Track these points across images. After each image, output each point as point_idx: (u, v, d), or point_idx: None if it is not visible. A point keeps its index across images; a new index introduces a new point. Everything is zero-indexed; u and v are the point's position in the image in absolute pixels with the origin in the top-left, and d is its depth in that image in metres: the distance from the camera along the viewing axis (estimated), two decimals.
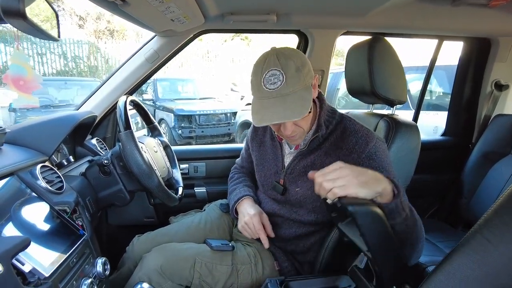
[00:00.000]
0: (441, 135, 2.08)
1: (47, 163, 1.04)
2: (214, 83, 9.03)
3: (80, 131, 1.41)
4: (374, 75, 1.24)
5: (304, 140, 1.08)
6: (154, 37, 1.56)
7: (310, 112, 0.98)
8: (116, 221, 1.68)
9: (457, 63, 2.02)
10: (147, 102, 7.20)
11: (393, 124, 1.19)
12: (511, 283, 0.59)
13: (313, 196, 1.08)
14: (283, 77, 0.91)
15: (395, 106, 1.32)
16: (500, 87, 1.87)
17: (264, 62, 0.94)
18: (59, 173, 1.01)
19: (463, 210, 1.79)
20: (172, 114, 6.53)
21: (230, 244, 1.17)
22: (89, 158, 1.41)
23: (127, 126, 1.08)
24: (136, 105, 1.30)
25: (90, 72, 11.43)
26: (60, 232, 0.86)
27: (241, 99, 8.75)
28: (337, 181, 0.71)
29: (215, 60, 13.10)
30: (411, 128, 1.19)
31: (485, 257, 0.62)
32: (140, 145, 1.12)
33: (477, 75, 1.92)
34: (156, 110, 7.08)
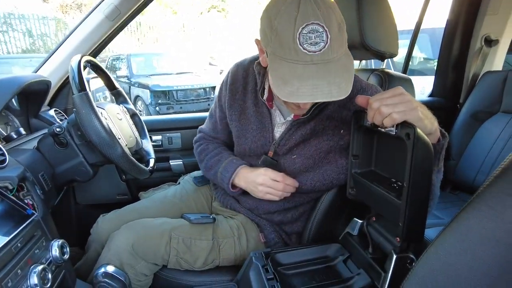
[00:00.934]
0: (428, 96, 2.01)
1: None
2: (191, 57, 8.69)
3: (32, 100, 1.23)
4: (364, 25, 1.11)
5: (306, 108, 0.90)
6: None
7: None
8: (86, 200, 1.54)
9: (443, 25, 1.92)
10: (121, 79, 6.88)
11: (386, 78, 1.08)
12: None
13: (316, 163, 0.95)
14: (327, 37, 0.69)
15: (385, 61, 1.21)
16: (489, 42, 1.78)
17: (297, 7, 0.69)
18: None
19: (451, 172, 1.74)
20: (148, 91, 6.27)
21: (211, 217, 1.05)
22: (46, 130, 1.24)
23: (82, 87, 0.91)
24: (94, 66, 1.13)
25: None
26: (3, 212, 0.72)
27: (220, 73, 8.50)
28: (398, 106, 0.65)
29: (192, 33, 12.58)
30: (406, 82, 1.08)
31: (504, 213, 0.53)
32: (99, 110, 0.96)
33: (467, 31, 1.82)
34: (131, 87, 6.79)
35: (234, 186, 1.05)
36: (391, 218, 0.76)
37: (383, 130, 0.72)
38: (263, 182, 0.95)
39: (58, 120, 1.31)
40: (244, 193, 1.06)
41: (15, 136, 1.08)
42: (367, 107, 0.72)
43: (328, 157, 0.94)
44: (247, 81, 1.04)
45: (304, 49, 0.69)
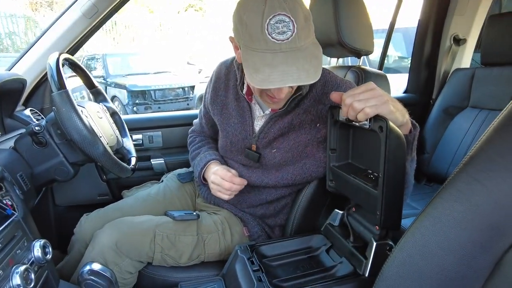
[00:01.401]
0: (403, 93, 2.09)
1: None
2: (168, 56, 8.57)
3: (6, 99, 1.19)
4: (340, 23, 1.15)
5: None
6: None
7: None
8: (65, 201, 1.51)
9: (415, 25, 2.00)
10: (97, 80, 6.66)
11: (362, 74, 1.12)
12: (500, 222, 0.54)
13: (295, 157, 0.98)
14: (294, 26, 0.73)
15: (361, 58, 1.25)
16: (458, 41, 1.87)
17: (265, 2, 0.74)
18: None
19: (426, 165, 1.82)
20: (125, 91, 6.16)
21: (195, 213, 1.06)
22: (22, 130, 1.20)
23: (61, 85, 0.90)
24: (72, 65, 1.11)
25: None
26: None
27: (199, 72, 8.42)
28: (370, 100, 0.68)
29: (169, 32, 12.42)
30: (381, 78, 1.13)
31: (472, 197, 0.57)
32: (79, 109, 0.95)
33: (437, 30, 1.90)
34: (107, 87, 6.64)
35: (205, 179, 1.10)
36: (369, 208, 0.79)
37: (357, 124, 0.75)
38: (214, 180, 1.00)
39: (34, 120, 1.27)
40: None
41: None
42: (341, 103, 0.75)
43: (306, 151, 0.98)
44: (228, 77, 1.07)
45: (272, 38, 0.73)
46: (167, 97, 6.42)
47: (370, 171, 0.83)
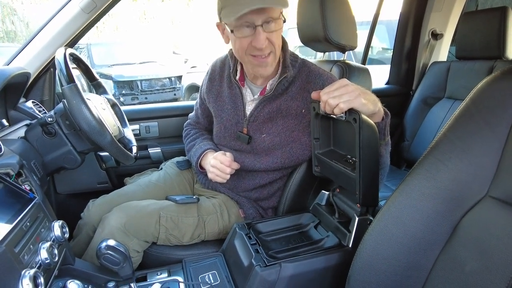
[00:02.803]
0: (385, 84, 2.21)
1: None
2: (154, 46, 8.45)
3: (11, 92, 1.24)
4: (327, 21, 1.24)
5: (270, 85, 1.07)
6: None
7: (284, 21, 0.97)
8: (66, 189, 1.57)
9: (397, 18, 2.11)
10: None
11: (346, 69, 1.22)
12: (460, 195, 0.66)
13: (283, 141, 1.09)
14: None
15: (346, 52, 1.35)
16: (435, 36, 2.00)
17: None
18: None
19: (406, 151, 1.95)
20: (111, 81, 6.08)
21: (194, 197, 1.16)
22: (26, 122, 1.26)
23: (70, 79, 0.97)
24: (76, 59, 1.17)
25: (8, 38, 10.07)
26: (6, 196, 0.78)
27: (185, 62, 8.37)
28: (343, 96, 0.77)
29: (153, 21, 12.22)
30: (364, 72, 1.24)
31: (436, 174, 0.69)
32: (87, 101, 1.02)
33: (417, 25, 2.03)
34: None
35: (202, 167, 1.20)
36: (350, 188, 0.90)
37: (335, 117, 0.85)
38: (214, 164, 1.08)
39: (37, 111, 1.33)
40: None
41: None
42: (319, 100, 0.85)
43: (293, 135, 1.09)
44: (223, 69, 1.19)
45: None
46: (153, 87, 6.37)
47: (349, 156, 0.93)
